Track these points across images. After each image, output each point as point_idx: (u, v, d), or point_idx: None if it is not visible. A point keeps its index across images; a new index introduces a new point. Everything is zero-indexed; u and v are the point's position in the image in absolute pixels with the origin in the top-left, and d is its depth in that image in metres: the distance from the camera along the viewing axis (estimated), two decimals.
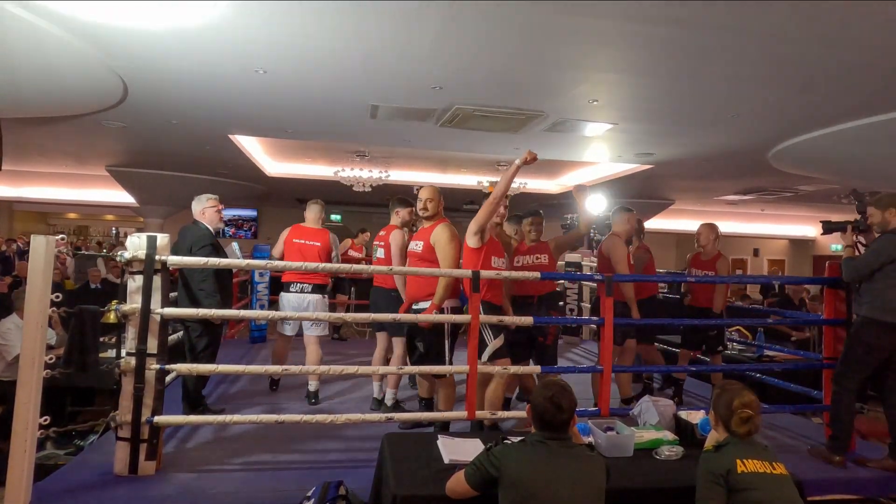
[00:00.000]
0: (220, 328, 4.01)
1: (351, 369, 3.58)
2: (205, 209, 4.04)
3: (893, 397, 3.39)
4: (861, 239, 3.67)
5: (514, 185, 10.94)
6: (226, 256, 4.03)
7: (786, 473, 2.21)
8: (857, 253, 3.59)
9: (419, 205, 3.77)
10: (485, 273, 3.58)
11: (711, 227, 4.96)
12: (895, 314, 3.29)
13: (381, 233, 4.44)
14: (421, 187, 3.97)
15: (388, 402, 4.21)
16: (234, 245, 4.61)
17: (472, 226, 3.60)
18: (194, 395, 3.92)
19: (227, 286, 4.04)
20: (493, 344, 3.60)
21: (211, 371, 3.68)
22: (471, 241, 3.63)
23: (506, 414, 3.65)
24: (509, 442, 2.24)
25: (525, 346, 4.18)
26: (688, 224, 14.74)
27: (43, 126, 7.44)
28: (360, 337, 8.64)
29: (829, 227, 3.87)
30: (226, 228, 4.22)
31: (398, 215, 4.41)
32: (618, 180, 10.03)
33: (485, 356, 3.58)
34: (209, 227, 4.00)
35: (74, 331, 2.93)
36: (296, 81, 5.21)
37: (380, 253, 4.40)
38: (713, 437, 2.43)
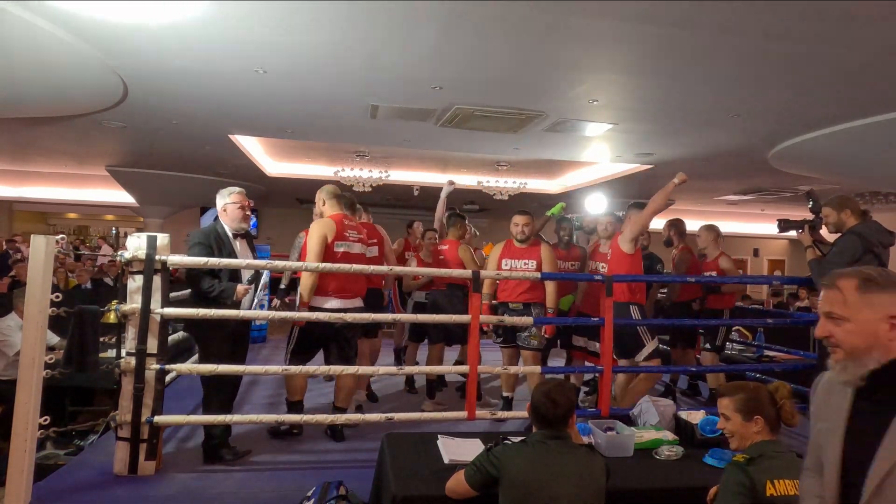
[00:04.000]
0: (226, 327, 3.40)
1: (351, 369, 3.58)
2: (226, 206, 3.49)
3: None
4: (818, 235, 3.78)
5: (514, 185, 11.02)
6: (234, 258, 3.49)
7: None
8: (817, 252, 3.65)
9: None
10: (485, 273, 3.60)
11: (710, 229, 5.00)
12: None
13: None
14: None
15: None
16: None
17: (628, 234, 3.85)
18: (216, 444, 3.35)
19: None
20: (651, 344, 3.88)
21: (211, 371, 3.68)
22: (626, 247, 3.85)
23: (506, 414, 3.66)
24: (509, 442, 2.24)
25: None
26: (688, 224, 14.72)
27: (43, 126, 7.43)
28: None
29: (785, 226, 3.93)
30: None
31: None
32: (618, 180, 10.03)
33: (642, 355, 3.87)
34: (227, 226, 3.47)
35: (74, 330, 2.93)
36: (296, 81, 5.20)
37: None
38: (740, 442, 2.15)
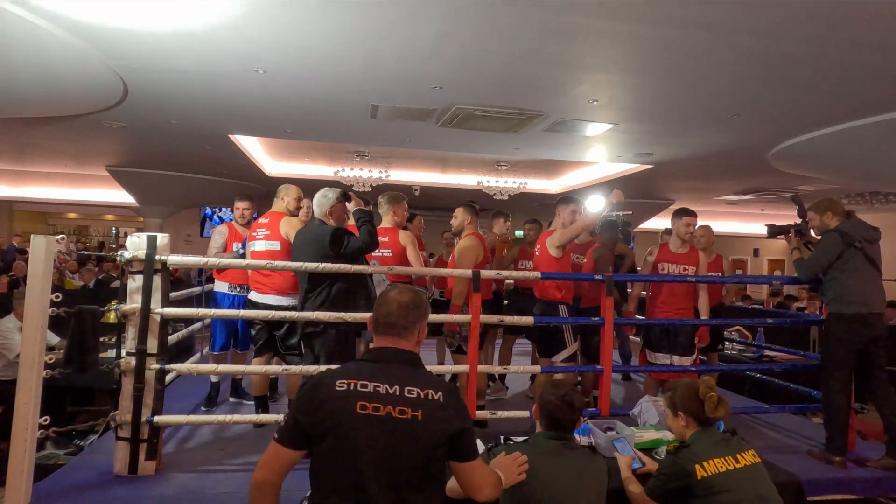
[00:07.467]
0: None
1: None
2: (333, 208, 3.48)
3: (879, 394, 3.41)
4: (808, 238, 3.84)
5: (514, 185, 11.03)
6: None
7: (752, 462, 2.14)
8: (803, 254, 3.74)
9: None
10: (485, 273, 3.61)
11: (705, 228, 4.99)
12: (855, 304, 3.38)
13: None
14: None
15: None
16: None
17: (557, 240, 3.98)
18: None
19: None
20: (572, 347, 3.95)
21: (210, 371, 3.68)
22: (553, 251, 3.99)
23: (506, 414, 3.65)
24: (511, 442, 2.24)
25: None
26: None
27: (43, 126, 7.43)
28: None
29: (773, 231, 4.02)
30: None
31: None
32: (618, 180, 10.03)
33: (559, 357, 3.92)
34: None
35: (74, 331, 2.93)
36: (296, 81, 5.21)
37: None
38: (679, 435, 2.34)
